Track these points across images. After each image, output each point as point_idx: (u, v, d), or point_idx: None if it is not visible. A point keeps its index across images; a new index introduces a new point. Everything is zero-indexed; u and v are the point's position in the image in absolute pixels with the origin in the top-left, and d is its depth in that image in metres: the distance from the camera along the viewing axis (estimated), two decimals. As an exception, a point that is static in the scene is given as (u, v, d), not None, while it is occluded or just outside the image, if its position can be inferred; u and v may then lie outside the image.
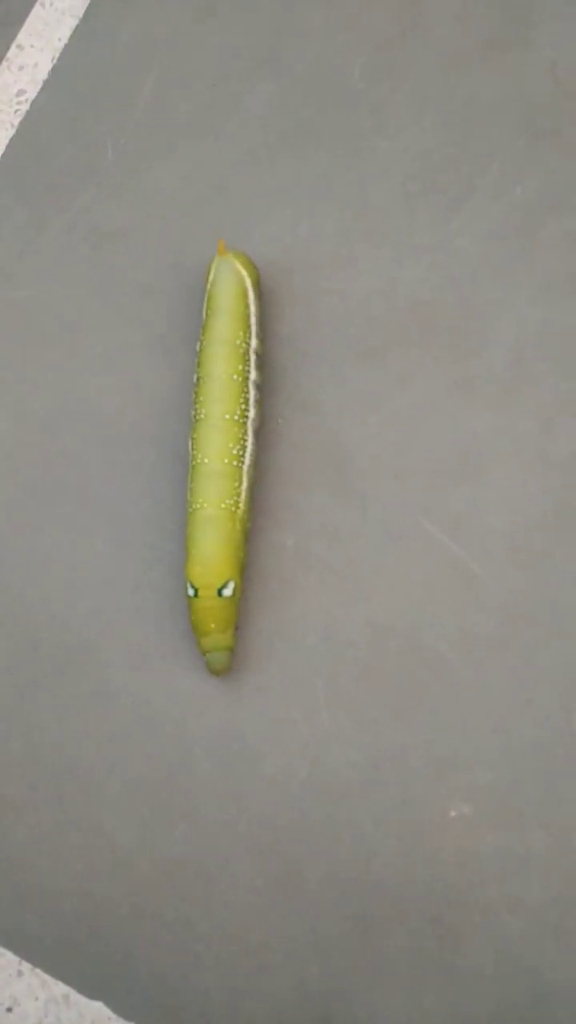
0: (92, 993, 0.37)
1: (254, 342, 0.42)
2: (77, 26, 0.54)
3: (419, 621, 0.39)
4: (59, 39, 0.54)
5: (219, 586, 0.38)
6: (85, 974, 0.37)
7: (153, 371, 0.45)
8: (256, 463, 0.41)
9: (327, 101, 0.48)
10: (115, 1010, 0.37)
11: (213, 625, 0.38)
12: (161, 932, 0.37)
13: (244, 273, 0.43)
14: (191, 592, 0.38)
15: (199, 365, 0.42)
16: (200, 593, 0.38)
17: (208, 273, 0.44)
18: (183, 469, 0.43)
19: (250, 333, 0.42)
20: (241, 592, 0.39)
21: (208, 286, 0.43)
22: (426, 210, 0.45)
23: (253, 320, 0.42)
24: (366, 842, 0.37)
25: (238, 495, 0.40)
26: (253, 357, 0.42)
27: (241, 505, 0.40)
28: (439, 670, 0.39)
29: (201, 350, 0.42)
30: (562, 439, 0.41)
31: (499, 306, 0.43)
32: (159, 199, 0.48)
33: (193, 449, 0.41)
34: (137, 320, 0.46)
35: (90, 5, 0.54)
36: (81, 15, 0.54)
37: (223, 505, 0.39)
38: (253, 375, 0.42)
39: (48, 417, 0.45)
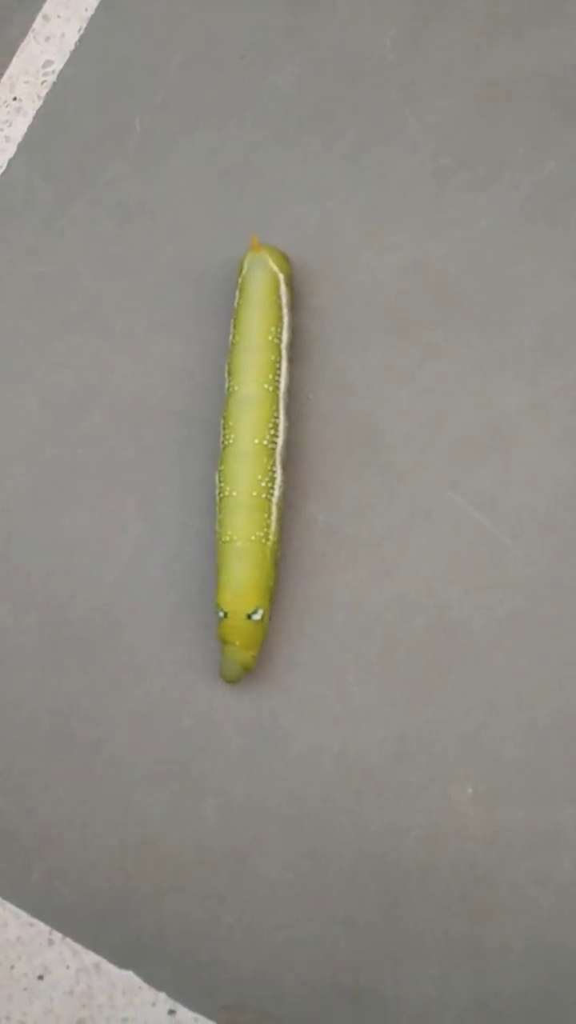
0: (123, 963, 0.37)
1: (285, 337, 0.41)
2: (102, -2, 0.53)
3: (448, 596, 0.39)
4: (85, 9, 0.53)
5: (248, 612, 0.38)
6: (116, 944, 0.38)
7: (180, 348, 0.45)
8: (286, 495, 0.41)
9: (356, 75, 0.47)
10: (146, 980, 0.37)
11: (238, 641, 0.38)
12: (192, 905, 0.38)
13: (276, 269, 0.42)
14: (220, 615, 0.38)
15: (229, 375, 0.41)
16: (229, 616, 0.38)
17: (240, 269, 0.43)
18: (212, 447, 0.43)
19: (282, 330, 0.41)
20: (270, 616, 0.39)
21: (240, 280, 0.43)
22: (455, 186, 0.44)
23: (285, 317, 0.42)
24: (395, 818, 0.37)
25: (268, 526, 0.39)
26: (284, 363, 0.41)
27: (271, 536, 0.39)
28: (467, 646, 0.39)
29: (231, 355, 0.41)
30: (593, 417, 0.41)
31: (528, 283, 0.42)
32: (186, 174, 0.48)
33: (221, 481, 0.39)
34: (164, 297, 0.46)
35: (115, -23, 0.54)
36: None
37: (252, 537, 0.38)
38: (283, 383, 0.41)
39: (74, 395, 0.45)
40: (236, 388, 0.40)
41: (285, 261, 0.43)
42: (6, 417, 0.46)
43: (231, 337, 0.42)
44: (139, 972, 0.37)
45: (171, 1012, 0.37)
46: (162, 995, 0.37)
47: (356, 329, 0.43)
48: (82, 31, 0.53)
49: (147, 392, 0.45)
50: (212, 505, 0.42)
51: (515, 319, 0.42)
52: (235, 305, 0.42)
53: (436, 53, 0.47)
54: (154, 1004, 0.37)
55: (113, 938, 0.38)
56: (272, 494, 0.39)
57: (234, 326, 0.42)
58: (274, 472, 0.40)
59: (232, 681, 0.39)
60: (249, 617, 0.38)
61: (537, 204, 0.43)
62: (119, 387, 0.45)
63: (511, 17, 0.47)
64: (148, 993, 0.37)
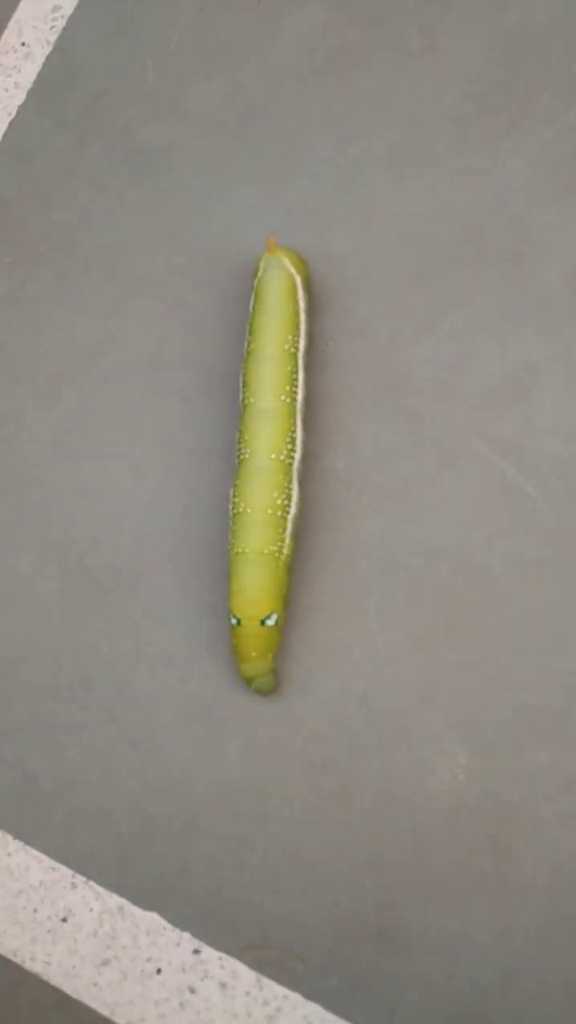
0: (147, 904, 0.38)
1: (302, 345, 0.40)
2: None
3: (471, 543, 0.39)
4: None
5: (262, 618, 0.37)
6: (139, 887, 0.38)
7: (197, 296, 0.45)
8: (301, 512, 0.40)
9: (375, 20, 0.47)
10: (170, 920, 0.37)
11: (254, 653, 0.37)
12: (216, 847, 0.38)
13: (293, 271, 0.41)
14: (234, 622, 0.37)
15: (244, 386, 0.39)
16: (243, 623, 0.37)
17: (256, 271, 0.41)
18: (230, 395, 0.43)
19: (299, 338, 0.40)
20: (284, 619, 0.38)
21: (255, 284, 0.41)
22: (478, 132, 0.44)
23: (303, 324, 0.40)
24: (420, 759, 0.37)
25: (282, 540, 0.38)
26: (301, 373, 0.40)
27: (285, 550, 0.38)
28: (491, 592, 0.39)
29: (247, 366, 0.40)
30: (615, 365, 0.41)
31: (552, 229, 0.42)
32: (202, 120, 0.47)
33: (235, 496, 0.38)
34: (180, 243, 0.46)
35: None
36: None
37: (266, 551, 0.37)
38: (300, 395, 0.39)
39: (91, 342, 0.45)
40: (252, 401, 0.39)
41: (302, 263, 0.41)
42: (22, 363, 0.45)
43: (246, 344, 0.40)
44: (163, 913, 0.38)
45: (196, 952, 0.37)
46: (186, 935, 0.37)
47: (379, 275, 0.43)
48: (93, -26, 0.52)
49: (164, 339, 0.44)
50: (230, 453, 0.42)
51: (539, 267, 0.42)
52: (250, 310, 0.41)
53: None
54: (178, 944, 0.37)
55: (136, 880, 0.38)
56: (288, 511, 0.38)
57: (249, 333, 0.40)
58: (290, 489, 0.38)
59: (270, 691, 0.38)
60: (263, 623, 0.37)
61: (561, 150, 0.43)
62: (136, 334, 0.45)
63: (534, -38, 0.46)
64: (173, 934, 0.37)
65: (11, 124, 0.50)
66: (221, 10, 0.49)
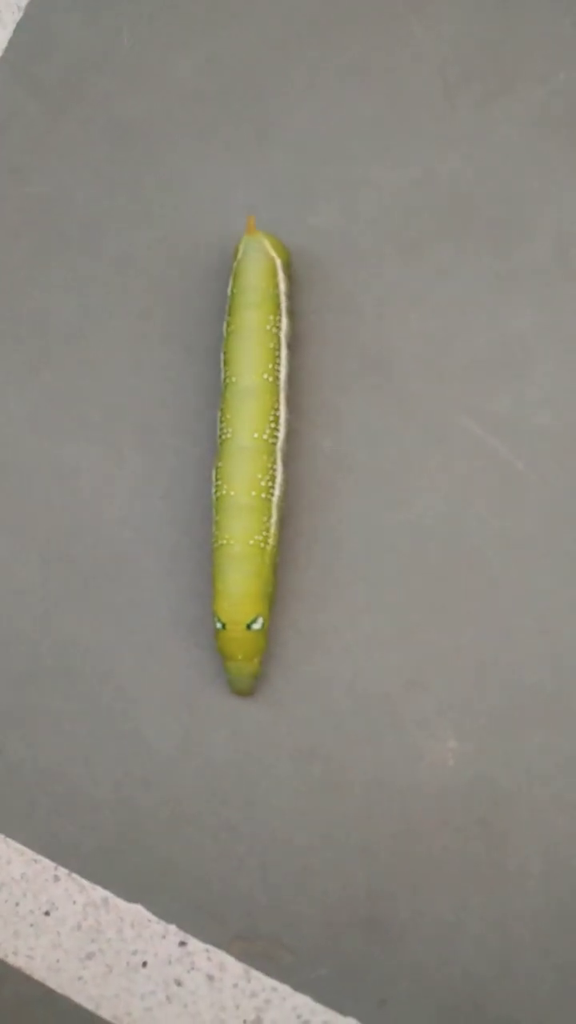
0: (132, 896, 0.37)
1: (285, 325, 0.39)
2: None
3: (461, 522, 0.38)
4: None
5: (247, 622, 0.36)
6: (124, 878, 0.37)
7: (178, 270, 0.43)
8: (286, 495, 0.39)
9: (358, -17, 0.45)
10: (156, 913, 0.36)
11: (240, 656, 0.37)
12: (202, 837, 0.37)
13: (273, 254, 0.39)
14: (219, 626, 0.36)
15: (225, 365, 0.38)
16: (228, 627, 0.36)
17: (235, 254, 0.40)
18: (213, 372, 0.41)
19: (280, 318, 0.39)
20: (269, 622, 0.38)
21: (234, 266, 0.40)
22: (466, 98, 0.42)
23: (283, 304, 0.39)
24: (410, 744, 0.36)
25: (267, 530, 0.37)
26: (284, 351, 0.39)
27: (271, 540, 0.37)
28: (483, 572, 0.38)
29: (227, 344, 0.38)
30: (607, 338, 0.40)
31: (542, 197, 0.41)
32: (180, 90, 0.46)
33: (218, 479, 0.37)
34: (159, 216, 0.44)
35: None
36: None
37: (251, 541, 0.36)
38: (283, 373, 0.38)
39: (69, 321, 0.44)
40: (233, 379, 0.38)
41: (283, 248, 0.40)
42: (0, 342, 0.44)
43: (225, 325, 0.39)
44: (148, 905, 0.37)
45: (182, 944, 0.36)
46: (172, 927, 0.36)
47: (363, 248, 0.41)
48: None
49: (145, 317, 0.43)
50: (211, 433, 0.40)
51: (529, 236, 0.40)
52: (229, 292, 0.40)
53: (443, -41, 0.45)
54: (164, 936, 0.36)
55: (121, 872, 0.37)
56: (272, 494, 0.37)
57: (229, 314, 0.39)
58: (274, 471, 0.37)
59: (246, 694, 0.37)
60: (249, 627, 0.36)
61: (550, 116, 0.42)
62: (115, 312, 0.43)
63: None
64: (158, 926, 0.36)
65: (-17, 95, 0.49)
66: (199, -26, 0.48)
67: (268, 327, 0.38)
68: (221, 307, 0.42)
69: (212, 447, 0.41)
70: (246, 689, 0.37)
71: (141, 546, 0.40)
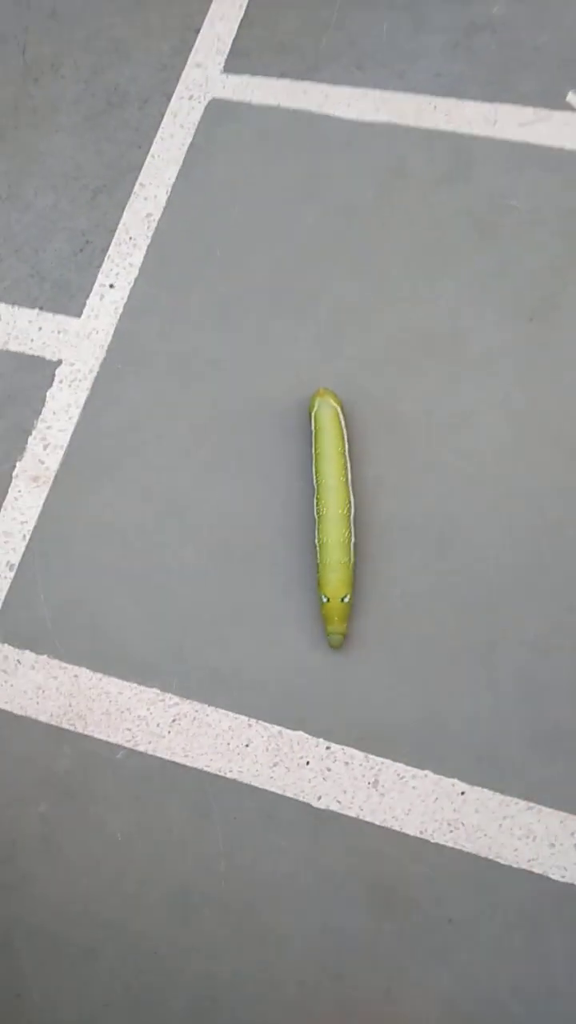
0: (294, 726, 0.64)
1: (349, 466, 0.60)
2: (179, 170, 0.82)
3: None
4: (168, 178, 0.81)
5: (341, 596, 0.57)
6: (283, 717, 0.65)
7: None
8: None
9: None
10: (310, 733, 0.64)
11: (336, 619, 0.57)
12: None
13: (337, 407, 0.60)
14: (324, 599, 0.57)
15: (318, 501, 0.58)
16: (330, 600, 0.57)
17: (310, 408, 0.61)
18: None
19: (347, 461, 0.60)
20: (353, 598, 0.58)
21: (313, 419, 0.60)
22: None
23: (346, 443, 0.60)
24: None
25: (350, 537, 0.58)
26: (349, 474, 0.60)
27: (353, 538, 0.58)
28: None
29: (319, 492, 0.59)
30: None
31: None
32: (257, 284, 0.76)
33: (318, 502, 0.58)
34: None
35: (186, 156, 0.82)
36: (181, 162, 0.82)
37: (342, 539, 0.57)
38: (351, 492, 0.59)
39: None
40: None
41: (338, 401, 0.61)
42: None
43: (314, 474, 0.60)
44: (308, 730, 0.64)
45: (328, 748, 0.64)
46: (321, 739, 0.64)
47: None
48: (169, 192, 0.81)
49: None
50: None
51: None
52: (313, 452, 0.60)
53: None
54: (316, 746, 0.64)
55: (282, 716, 0.65)
56: (351, 511, 0.58)
57: (315, 460, 0.59)
58: (350, 503, 0.59)
59: (337, 646, 0.57)
60: (342, 600, 0.57)
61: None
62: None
63: None
64: (318, 748, 0.64)
65: (130, 295, 0.79)
66: (258, 210, 0.79)
67: (344, 479, 0.58)
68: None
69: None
70: (338, 644, 0.57)
71: (280, 547, 0.65)
